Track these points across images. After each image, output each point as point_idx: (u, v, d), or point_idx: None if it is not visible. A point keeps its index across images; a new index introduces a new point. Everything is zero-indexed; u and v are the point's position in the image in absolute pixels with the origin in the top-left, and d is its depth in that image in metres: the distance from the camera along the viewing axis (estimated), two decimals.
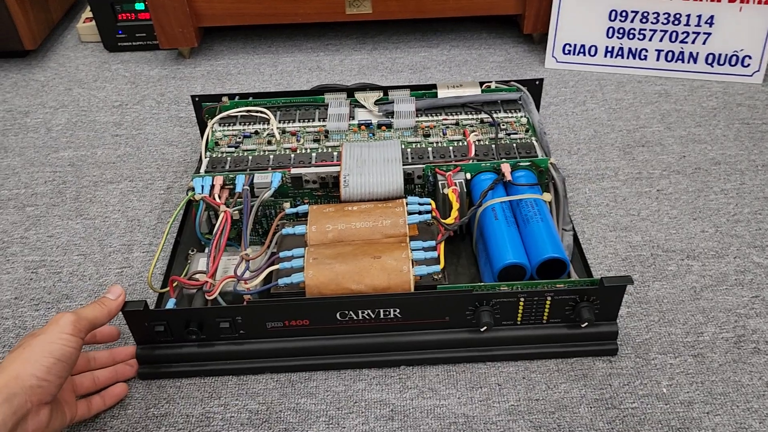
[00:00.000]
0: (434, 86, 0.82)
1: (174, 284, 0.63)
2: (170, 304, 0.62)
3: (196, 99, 0.83)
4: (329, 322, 0.60)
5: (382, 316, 0.60)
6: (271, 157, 0.74)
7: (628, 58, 1.01)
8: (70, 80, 1.07)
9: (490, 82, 0.82)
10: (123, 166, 0.88)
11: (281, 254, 0.63)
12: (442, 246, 0.63)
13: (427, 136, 0.76)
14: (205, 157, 0.75)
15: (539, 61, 1.06)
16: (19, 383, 0.49)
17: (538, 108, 0.83)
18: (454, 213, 0.65)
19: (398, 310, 0.60)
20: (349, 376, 0.61)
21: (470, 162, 0.71)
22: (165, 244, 0.71)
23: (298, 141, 0.76)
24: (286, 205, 0.71)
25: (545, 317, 0.61)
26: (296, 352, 0.62)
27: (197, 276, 0.63)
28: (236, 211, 0.68)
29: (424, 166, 0.70)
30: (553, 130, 0.90)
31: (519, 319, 0.61)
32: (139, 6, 1.10)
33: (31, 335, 0.53)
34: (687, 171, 0.83)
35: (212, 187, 0.69)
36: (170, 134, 0.93)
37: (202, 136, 0.82)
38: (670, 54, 0.99)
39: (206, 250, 0.66)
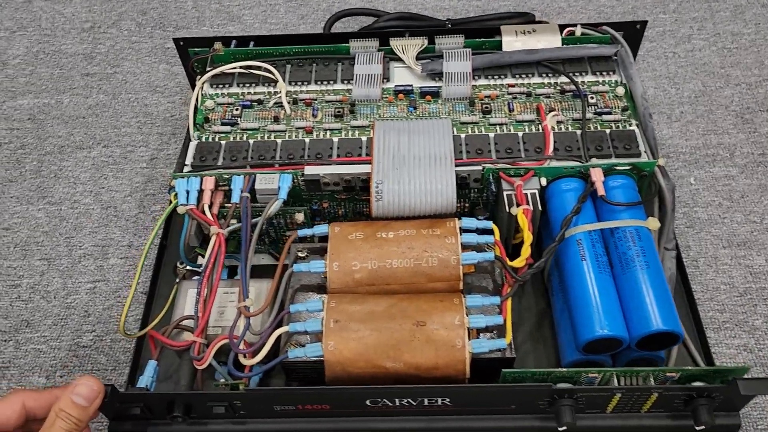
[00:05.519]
0: (497, 31, 0.61)
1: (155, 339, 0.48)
2: (150, 367, 0.48)
3: (181, 43, 0.62)
4: (356, 406, 0.46)
5: (426, 403, 0.45)
6: (279, 142, 0.55)
7: None
8: None
9: (574, 25, 0.61)
10: (95, 123, 0.69)
11: (292, 309, 0.47)
12: (508, 304, 0.46)
13: (487, 112, 0.57)
14: (194, 139, 0.56)
15: None
16: None
17: (634, 57, 0.61)
18: (526, 251, 0.48)
19: (448, 399, 0.45)
20: None
21: (547, 164, 0.52)
22: (144, 258, 0.55)
23: (314, 116, 0.57)
24: (299, 216, 0.54)
25: (645, 408, 0.45)
26: None
27: (184, 334, 0.48)
28: (234, 229, 0.52)
29: (483, 168, 0.52)
30: (647, 80, 0.69)
31: (609, 409, 0.46)
32: None
33: None
34: None
35: (201, 192, 0.52)
36: (154, 75, 0.74)
37: (192, 88, 0.63)
38: None
39: (195, 288, 0.50)
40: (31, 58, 0.76)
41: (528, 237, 0.48)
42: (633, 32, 0.61)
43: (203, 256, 0.55)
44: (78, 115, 0.70)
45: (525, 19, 0.69)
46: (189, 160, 0.55)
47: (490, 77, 0.59)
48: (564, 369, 0.44)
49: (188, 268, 0.56)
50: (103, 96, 0.72)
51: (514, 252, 0.52)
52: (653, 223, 0.50)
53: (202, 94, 0.60)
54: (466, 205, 0.55)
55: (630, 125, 0.55)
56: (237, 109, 0.58)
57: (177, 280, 0.55)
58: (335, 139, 0.55)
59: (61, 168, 0.66)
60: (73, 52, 0.76)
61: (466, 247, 0.48)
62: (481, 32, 0.61)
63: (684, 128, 0.65)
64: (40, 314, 0.56)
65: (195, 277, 0.55)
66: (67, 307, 0.57)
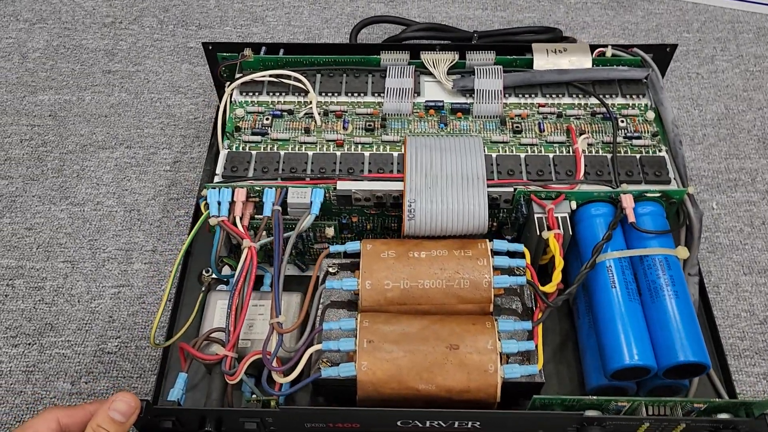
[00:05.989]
0: (527, 48, 0.61)
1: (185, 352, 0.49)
2: (180, 380, 0.48)
3: (210, 47, 0.62)
4: (386, 426, 0.46)
5: (456, 426, 0.46)
6: (310, 155, 0.55)
7: None
8: None
9: (605, 46, 0.61)
10: (118, 123, 0.69)
11: (325, 327, 0.47)
12: (540, 330, 0.47)
13: (518, 131, 0.57)
14: (224, 149, 0.56)
15: None
16: None
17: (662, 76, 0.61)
18: (557, 276, 0.48)
19: (478, 423, 0.45)
20: None
21: (578, 188, 0.52)
22: (175, 272, 0.55)
23: (344, 128, 0.57)
24: (329, 230, 0.54)
25: None
26: None
27: (214, 348, 0.49)
28: (265, 242, 0.52)
29: (515, 189, 0.52)
30: (671, 101, 0.69)
31: None
32: None
33: None
34: None
35: (232, 203, 0.52)
36: (177, 74, 0.73)
37: (219, 98, 0.62)
38: None
39: (227, 301, 0.50)
40: (51, 52, 0.75)
41: (560, 262, 0.49)
42: (663, 55, 0.61)
43: (230, 266, 0.55)
44: (100, 113, 0.70)
45: (552, 34, 0.69)
46: (219, 169, 0.55)
47: (520, 96, 0.59)
48: (594, 397, 0.44)
49: (213, 276, 0.56)
50: (126, 95, 0.71)
51: (539, 273, 0.53)
52: (683, 252, 0.50)
53: (230, 101, 0.59)
54: (494, 224, 0.56)
55: (660, 151, 0.55)
56: (267, 119, 0.58)
57: (203, 289, 0.56)
58: (366, 154, 0.55)
59: (84, 168, 0.65)
60: (94, 47, 0.76)
61: (497, 269, 0.49)
62: (511, 49, 0.61)
63: (706, 151, 0.66)
64: (64, 318, 0.56)
65: (220, 286, 0.56)
66: (92, 311, 0.57)
